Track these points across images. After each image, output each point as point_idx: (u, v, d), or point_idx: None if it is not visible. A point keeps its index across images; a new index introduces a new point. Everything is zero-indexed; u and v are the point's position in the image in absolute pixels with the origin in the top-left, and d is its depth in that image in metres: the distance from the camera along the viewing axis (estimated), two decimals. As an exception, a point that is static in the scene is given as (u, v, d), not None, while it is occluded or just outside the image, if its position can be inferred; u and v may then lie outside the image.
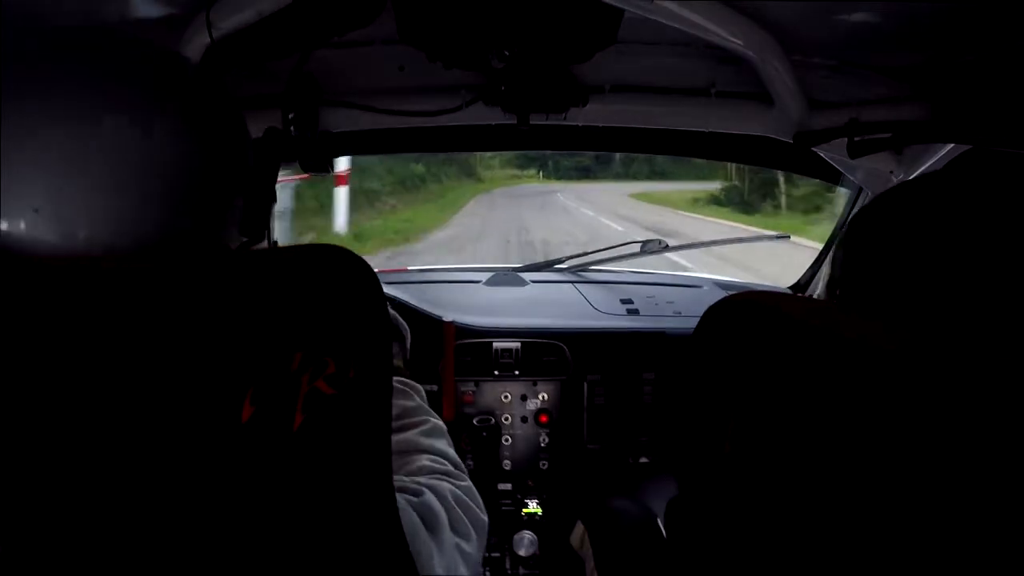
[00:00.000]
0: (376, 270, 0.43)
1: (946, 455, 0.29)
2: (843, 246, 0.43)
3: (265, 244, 0.54)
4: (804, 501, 0.33)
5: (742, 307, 0.38)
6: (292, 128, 0.91)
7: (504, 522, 1.20)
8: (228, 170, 0.47)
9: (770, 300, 0.37)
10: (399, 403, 0.66)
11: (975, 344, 0.30)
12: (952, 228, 0.35)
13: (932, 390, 0.29)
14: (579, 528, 1.11)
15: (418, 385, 0.70)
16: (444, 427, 0.65)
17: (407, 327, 0.78)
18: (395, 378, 0.68)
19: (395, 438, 0.60)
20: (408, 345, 0.78)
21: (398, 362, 0.74)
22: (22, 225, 0.38)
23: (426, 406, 0.67)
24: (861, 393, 0.31)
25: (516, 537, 1.19)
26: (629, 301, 1.35)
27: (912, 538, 0.29)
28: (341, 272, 0.40)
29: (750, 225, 10.66)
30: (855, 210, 1.18)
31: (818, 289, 1.32)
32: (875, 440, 0.30)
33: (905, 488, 0.29)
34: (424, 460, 0.59)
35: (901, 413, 0.30)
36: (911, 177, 0.97)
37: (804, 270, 1.45)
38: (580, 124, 1.00)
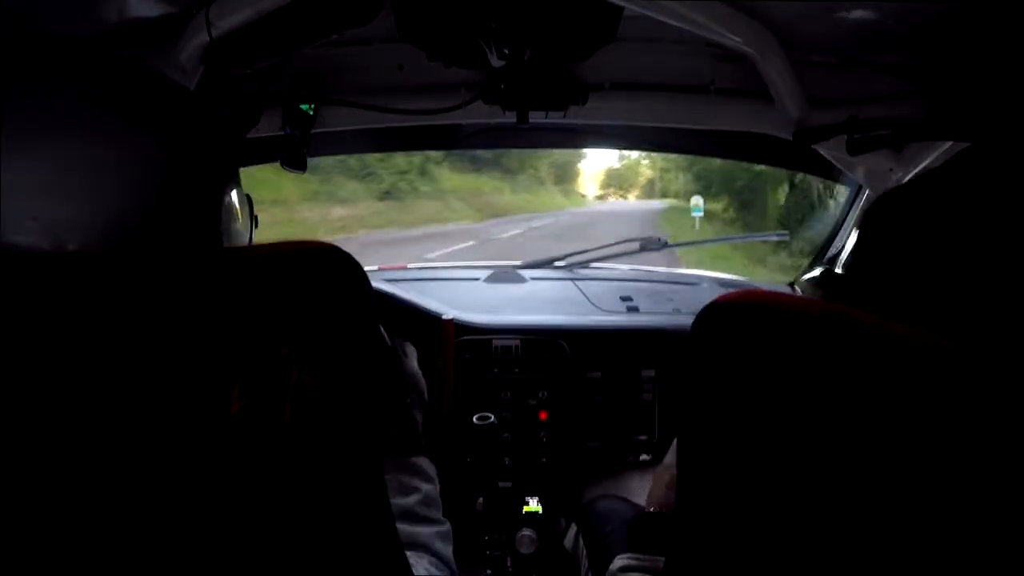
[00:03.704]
0: (376, 267, 0.44)
1: (952, 451, 0.29)
2: (858, 241, 0.43)
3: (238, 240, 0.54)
4: (806, 499, 0.33)
5: (738, 307, 0.38)
6: (284, 128, 0.92)
7: (504, 520, 1.21)
8: (207, 180, 0.47)
9: (766, 299, 0.37)
10: (425, 487, 0.68)
11: (991, 342, 0.30)
12: (981, 225, 0.35)
13: (941, 385, 0.29)
14: (572, 529, 1.11)
15: (433, 468, 0.72)
16: (451, 531, 0.68)
17: (424, 386, 0.79)
18: (422, 458, 0.71)
19: (410, 528, 0.62)
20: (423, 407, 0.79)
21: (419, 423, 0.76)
22: (15, 234, 0.39)
23: (438, 496, 0.70)
24: (859, 389, 0.31)
25: (517, 535, 1.19)
26: (629, 298, 1.35)
27: (916, 538, 0.29)
28: (329, 268, 0.40)
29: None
30: (852, 207, 1.18)
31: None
32: (881, 435, 0.30)
33: (913, 488, 0.29)
34: (426, 561, 0.61)
35: (908, 407, 0.30)
36: (910, 174, 0.97)
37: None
38: (580, 122, 1.00)
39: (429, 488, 0.68)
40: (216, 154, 0.49)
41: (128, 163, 0.42)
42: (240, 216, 0.53)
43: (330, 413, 0.38)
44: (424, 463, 0.71)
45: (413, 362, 0.80)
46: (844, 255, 0.44)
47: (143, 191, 0.43)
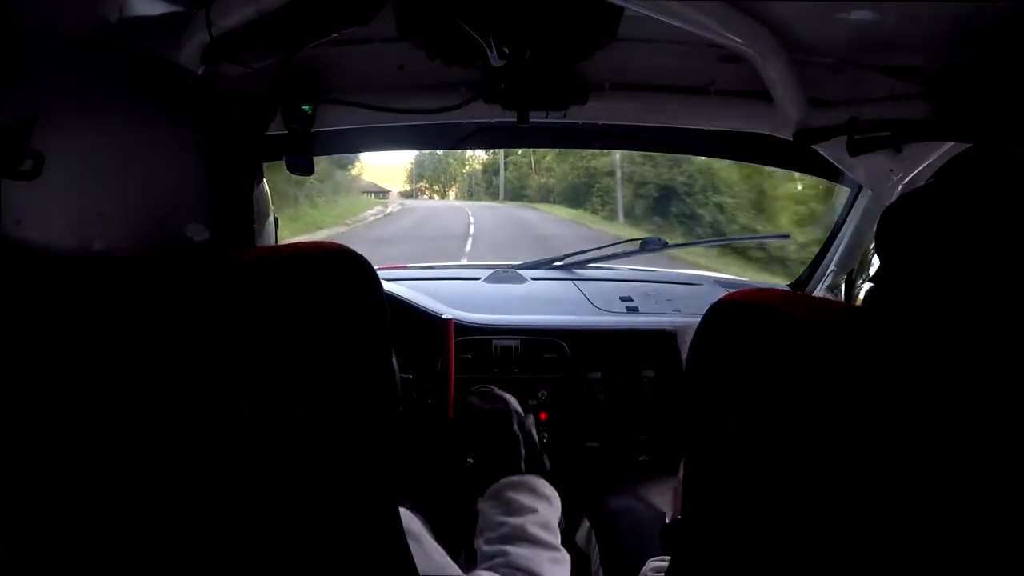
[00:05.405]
0: (375, 267, 0.44)
1: (948, 451, 0.29)
2: (877, 245, 0.43)
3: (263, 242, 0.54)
4: (808, 500, 0.33)
5: (743, 307, 0.38)
6: (286, 127, 0.92)
7: None
8: (231, 177, 0.47)
9: (770, 299, 0.37)
10: (542, 508, 0.63)
11: (998, 345, 0.30)
12: (1009, 230, 0.35)
13: (935, 389, 0.29)
14: (584, 526, 1.11)
15: (554, 492, 0.67)
16: (569, 559, 0.62)
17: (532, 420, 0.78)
18: (540, 479, 0.67)
19: (516, 549, 0.58)
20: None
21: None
22: (43, 232, 0.38)
23: (555, 520, 0.65)
24: (864, 391, 0.31)
25: None
26: (628, 299, 1.35)
27: (918, 541, 0.29)
28: (343, 272, 0.40)
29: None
30: (853, 208, 1.18)
31: (820, 287, 1.32)
32: (880, 437, 0.30)
33: (920, 495, 0.29)
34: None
35: (906, 410, 0.30)
36: (911, 175, 0.97)
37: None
38: (580, 122, 1.00)
39: (546, 510, 0.64)
40: (246, 148, 0.49)
41: (163, 159, 0.42)
42: (268, 212, 0.53)
43: (340, 415, 0.38)
44: (543, 484, 0.67)
45: (507, 394, 0.81)
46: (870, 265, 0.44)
47: (179, 188, 0.43)
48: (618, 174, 11.49)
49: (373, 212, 15.20)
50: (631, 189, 11.18)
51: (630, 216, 11.00)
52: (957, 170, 0.40)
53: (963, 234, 0.37)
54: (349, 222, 11.77)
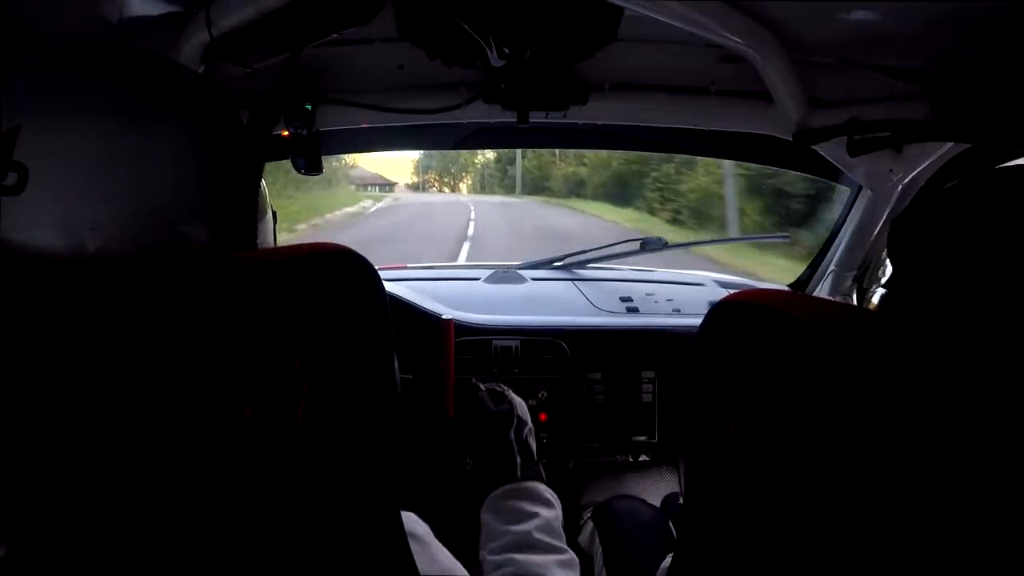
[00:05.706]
0: (375, 267, 0.44)
1: (946, 454, 0.29)
2: (889, 251, 0.43)
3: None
4: (807, 501, 0.33)
5: (744, 307, 0.38)
6: (288, 127, 0.92)
7: None
8: (231, 177, 0.47)
9: (772, 300, 0.37)
10: (544, 512, 0.64)
11: (996, 348, 0.30)
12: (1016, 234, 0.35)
13: (934, 391, 0.29)
14: (588, 527, 1.11)
15: (554, 495, 0.68)
16: (577, 561, 0.62)
17: (525, 410, 0.79)
18: (540, 484, 0.68)
19: (524, 557, 0.58)
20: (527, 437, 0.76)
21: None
22: (39, 233, 0.38)
23: (559, 524, 0.65)
24: (865, 393, 0.31)
25: None
26: (628, 299, 1.35)
27: (919, 549, 0.29)
28: (344, 273, 0.40)
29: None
30: (853, 208, 1.18)
31: (820, 287, 1.32)
32: (880, 440, 0.30)
33: (918, 493, 0.29)
34: None
35: (906, 412, 0.30)
36: (911, 175, 0.97)
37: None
38: (580, 122, 1.00)
39: (548, 514, 0.64)
40: (251, 149, 0.49)
41: (165, 160, 0.42)
42: (267, 209, 0.53)
43: (341, 417, 0.38)
44: (542, 489, 0.67)
45: (517, 398, 0.81)
46: (882, 272, 0.44)
47: (181, 188, 0.43)
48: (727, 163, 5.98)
49: (353, 209, 12.12)
50: (744, 183, 6.64)
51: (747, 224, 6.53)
52: (966, 175, 0.40)
53: (975, 240, 0.37)
54: (303, 226, 9.54)
